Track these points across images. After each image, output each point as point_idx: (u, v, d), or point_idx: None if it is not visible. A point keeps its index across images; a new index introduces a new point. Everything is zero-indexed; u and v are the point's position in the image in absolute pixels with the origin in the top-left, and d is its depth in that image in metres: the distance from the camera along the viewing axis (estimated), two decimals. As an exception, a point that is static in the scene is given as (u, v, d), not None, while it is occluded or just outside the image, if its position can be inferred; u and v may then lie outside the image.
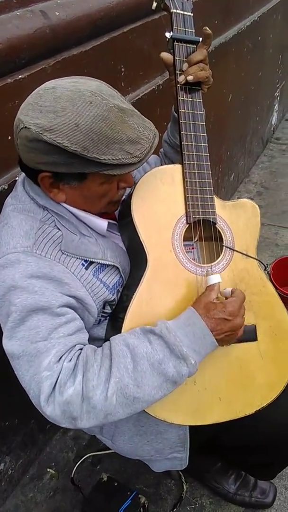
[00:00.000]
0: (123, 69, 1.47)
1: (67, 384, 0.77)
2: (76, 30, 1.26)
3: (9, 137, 1.08)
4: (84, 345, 0.85)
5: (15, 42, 1.06)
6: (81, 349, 0.83)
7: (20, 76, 1.10)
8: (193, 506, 1.39)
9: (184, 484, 1.43)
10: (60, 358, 0.79)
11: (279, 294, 1.02)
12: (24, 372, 0.79)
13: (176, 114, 1.11)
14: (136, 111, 0.85)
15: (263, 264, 1.04)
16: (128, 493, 1.20)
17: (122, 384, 0.77)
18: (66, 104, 0.76)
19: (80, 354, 0.81)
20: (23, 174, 0.93)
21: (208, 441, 1.11)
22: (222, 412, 0.93)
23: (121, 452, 1.14)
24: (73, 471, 1.46)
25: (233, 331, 0.85)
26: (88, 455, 1.50)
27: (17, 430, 1.45)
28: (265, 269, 1.04)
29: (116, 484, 1.22)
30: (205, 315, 0.84)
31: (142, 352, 0.80)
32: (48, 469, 1.54)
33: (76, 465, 1.47)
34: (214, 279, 0.88)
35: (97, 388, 0.77)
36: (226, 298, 0.89)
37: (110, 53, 1.39)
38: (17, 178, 1.13)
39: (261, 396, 0.95)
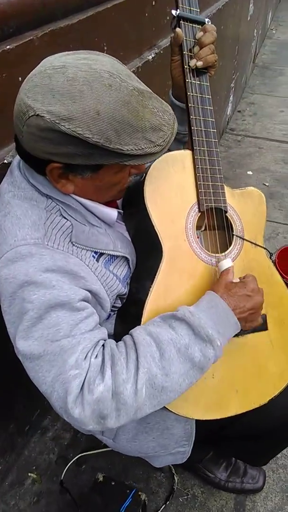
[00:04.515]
0: (105, 48, 1.39)
1: (96, 381, 0.71)
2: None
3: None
4: (105, 340, 0.79)
5: (5, 7, 0.95)
6: (103, 344, 0.78)
7: (8, 47, 0.98)
8: (185, 497, 1.38)
9: (174, 476, 1.41)
10: (87, 354, 0.73)
11: (285, 283, 1.02)
12: (45, 373, 0.72)
13: (173, 99, 1.07)
14: (153, 92, 0.79)
15: (269, 252, 1.03)
16: (128, 491, 1.15)
17: (150, 374, 0.73)
18: (83, 88, 0.67)
19: (104, 349, 0.76)
20: (18, 156, 0.84)
21: (211, 433, 1.09)
22: (239, 403, 0.91)
23: (122, 450, 1.09)
24: (63, 474, 1.39)
25: (255, 309, 0.84)
26: (75, 458, 1.44)
27: (-4, 436, 1.35)
28: (270, 257, 1.04)
29: (113, 483, 1.18)
30: (226, 293, 0.82)
31: (166, 338, 0.76)
32: (29, 474, 1.46)
33: (66, 468, 1.40)
34: (227, 263, 0.88)
35: (128, 382, 0.72)
36: None
37: (94, 30, 1.30)
38: (5, 160, 1.03)
39: (273, 385, 0.95)
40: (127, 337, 0.79)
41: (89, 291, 0.81)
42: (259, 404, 0.93)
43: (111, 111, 0.67)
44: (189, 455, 1.10)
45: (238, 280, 0.88)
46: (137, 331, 0.78)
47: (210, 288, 0.85)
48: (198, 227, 1.01)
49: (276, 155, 3.35)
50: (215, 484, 1.37)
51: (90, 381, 0.71)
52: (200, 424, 1.03)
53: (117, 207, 0.99)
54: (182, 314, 0.78)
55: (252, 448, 1.18)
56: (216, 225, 1.00)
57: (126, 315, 0.93)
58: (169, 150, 1.11)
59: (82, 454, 1.43)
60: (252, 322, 0.86)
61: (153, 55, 1.72)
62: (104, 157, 0.71)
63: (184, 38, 0.96)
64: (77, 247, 0.82)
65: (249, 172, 3.11)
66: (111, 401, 0.71)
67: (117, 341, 0.82)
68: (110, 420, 0.72)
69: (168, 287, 0.87)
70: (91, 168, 0.76)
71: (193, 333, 0.77)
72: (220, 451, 1.36)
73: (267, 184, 3.00)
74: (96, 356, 0.74)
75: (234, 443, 1.19)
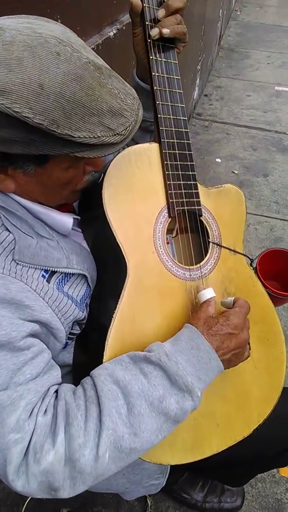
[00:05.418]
0: (59, 21, 1.20)
1: (44, 447, 0.57)
2: None
3: None
4: (58, 385, 0.64)
5: None
6: (56, 391, 0.63)
7: None
8: (160, 522, 1.27)
9: (147, 499, 1.30)
10: (32, 411, 0.58)
11: (267, 293, 0.90)
12: None
13: (139, 80, 0.91)
14: (113, 71, 0.63)
15: (249, 259, 0.91)
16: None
17: (116, 436, 0.59)
18: (23, 55, 0.51)
19: (57, 401, 0.61)
20: None
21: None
22: (221, 439, 0.79)
23: (90, 488, 0.95)
24: (24, 505, 1.24)
25: (240, 348, 0.71)
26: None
27: None
28: (250, 264, 0.91)
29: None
30: (207, 332, 0.68)
31: (137, 389, 0.62)
32: (-15, 505, 1.30)
33: (26, 502, 1.25)
34: (208, 293, 0.73)
35: (85, 447, 0.58)
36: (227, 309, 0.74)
37: (44, -1, 1.11)
38: None
39: (258, 413, 0.83)
40: (87, 384, 0.64)
41: (37, 321, 0.65)
42: (242, 437, 0.81)
43: (59, 85, 0.52)
44: (163, 485, 0.99)
45: (231, 300, 0.76)
46: (101, 378, 0.63)
47: (189, 320, 0.71)
48: (169, 231, 0.88)
49: (244, 141, 3.24)
50: (192, 506, 1.27)
51: (36, 447, 0.56)
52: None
53: (72, 211, 0.83)
54: (156, 357, 0.64)
55: (232, 472, 1.07)
56: (189, 228, 0.87)
57: (88, 343, 0.78)
58: (135, 142, 0.97)
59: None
60: (236, 362, 0.73)
61: (114, 31, 1.54)
62: (49, 146, 0.56)
63: (146, 5, 0.80)
64: (23, 266, 0.66)
65: (218, 160, 2.98)
66: (63, 470, 0.57)
67: (77, 373, 0.68)
68: (63, 491, 0.58)
69: (134, 308, 0.73)
70: (35, 160, 0.60)
71: (169, 382, 0.63)
72: (196, 473, 1.25)
73: (236, 172, 2.89)
74: (45, 412, 0.59)
75: (212, 468, 1.07)
